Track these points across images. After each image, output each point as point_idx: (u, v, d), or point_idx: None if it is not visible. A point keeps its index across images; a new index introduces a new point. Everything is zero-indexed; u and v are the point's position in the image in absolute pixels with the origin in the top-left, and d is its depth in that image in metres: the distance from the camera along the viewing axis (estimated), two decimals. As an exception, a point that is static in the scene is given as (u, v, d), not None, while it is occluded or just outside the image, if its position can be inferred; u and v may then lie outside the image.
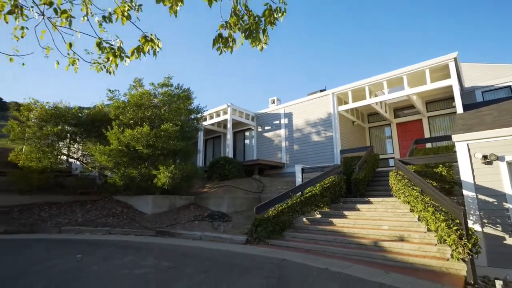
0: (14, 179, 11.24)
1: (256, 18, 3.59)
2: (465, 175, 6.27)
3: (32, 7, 3.48)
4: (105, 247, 6.83)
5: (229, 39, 3.68)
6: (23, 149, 12.62)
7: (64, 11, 3.50)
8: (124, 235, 8.47)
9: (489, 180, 5.97)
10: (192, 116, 12.86)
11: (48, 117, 12.05)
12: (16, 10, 3.44)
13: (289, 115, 14.72)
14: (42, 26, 3.53)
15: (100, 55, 3.86)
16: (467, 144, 6.37)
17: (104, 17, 3.59)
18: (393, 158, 12.70)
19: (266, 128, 15.57)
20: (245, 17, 3.59)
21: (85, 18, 3.60)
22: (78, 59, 3.95)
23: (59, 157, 12.89)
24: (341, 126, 13.00)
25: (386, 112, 13.78)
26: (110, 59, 3.81)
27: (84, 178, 13.62)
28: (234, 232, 8.06)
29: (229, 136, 15.16)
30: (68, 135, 13.04)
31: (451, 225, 5.02)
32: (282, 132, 14.74)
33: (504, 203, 5.72)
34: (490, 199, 5.88)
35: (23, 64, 3.98)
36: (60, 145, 13.01)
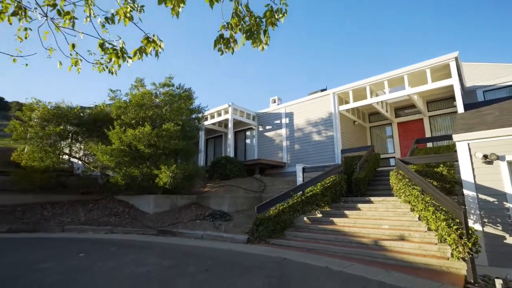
0: (17, 179, 11.33)
1: (257, 19, 3.61)
2: (466, 174, 6.29)
3: (35, 8, 3.52)
4: (108, 245, 6.88)
5: (231, 39, 3.70)
6: (26, 148, 12.68)
7: (67, 13, 3.54)
8: (126, 234, 8.53)
9: (490, 179, 5.99)
10: (193, 116, 12.91)
11: (50, 117, 12.11)
12: (20, 12, 3.48)
13: (290, 115, 14.74)
14: (45, 27, 3.59)
15: (102, 55, 3.90)
16: (468, 144, 6.38)
17: (106, 18, 3.62)
18: (394, 157, 12.70)
19: (267, 127, 15.60)
20: (246, 18, 3.61)
21: (88, 19, 3.63)
22: (81, 60, 3.99)
23: (61, 156, 12.95)
24: (342, 126, 13.01)
25: (387, 111, 13.79)
26: (113, 59, 3.85)
27: (86, 177, 13.70)
28: (236, 231, 8.10)
29: (230, 135, 15.19)
30: (70, 134, 13.11)
31: (452, 225, 5.04)
32: (283, 131, 14.76)
33: (504, 203, 5.73)
34: (491, 199, 5.89)
35: (27, 64, 4.02)
36: (62, 145, 13.07)
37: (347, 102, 13.01)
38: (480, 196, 6.01)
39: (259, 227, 7.42)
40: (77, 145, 14.04)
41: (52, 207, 10.73)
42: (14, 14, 3.45)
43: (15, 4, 3.43)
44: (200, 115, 13.23)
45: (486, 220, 5.86)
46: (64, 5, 3.51)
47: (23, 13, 3.48)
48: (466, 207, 6.08)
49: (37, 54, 4.23)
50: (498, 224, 5.71)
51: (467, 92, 12.25)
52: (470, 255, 4.62)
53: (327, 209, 8.64)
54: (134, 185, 10.94)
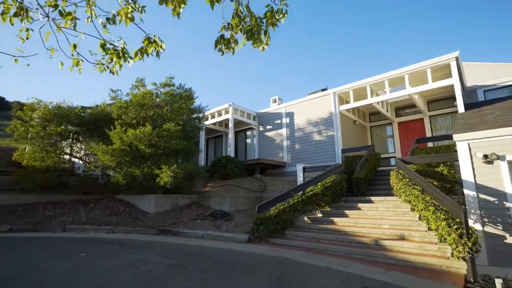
0: (18, 178, 11.36)
1: (258, 20, 3.62)
2: (466, 174, 6.29)
3: (37, 9, 3.53)
4: (110, 245, 6.90)
5: (231, 40, 3.72)
6: (27, 148, 12.72)
7: (69, 13, 3.55)
8: (127, 234, 8.55)
9: (490, 179, 5.99)
10: (194, 116, 12.93)
11: (51, 116, 12.14)
12: (21, 13, 3.49)
13: (290, 115, 14.75)
14: (47, 28, 3.59)
15: (104, 56, 3.91)
16: (468, 144, 6.39)
17: (108, 19, 3.64)
18: (395, 157, 12.70)
19: (268, 127, 15.61)
20: (247, 19, 3.62)
21: (89, 19, 3.65)
22: (82, 60, 4.00)
23: (62, 156, 12.98)
24: (342, 125, 13.01)
25: (387, 111, 13.79)
26: (114, 60, 3.86)
27: (87, 177, 13.74)
28: (236, 231, 8.12)
29: (231, 135, 15.21)
30: (71, 134, 13.14)
31: (452, 224, 5.05)
32: (283, 131, 14.77)
33: (504, 202, 5.74)
34: (491, 198, 5.90)
35: (28, 65, 4.04)
36: (63, 145, 13.12)
37: (347, 102, 13.02)
38: (481, 195, 6.02)
39: (259, 226, 7.44)
40: (78, 145, 14.07)
41: (53, 207, 10.76)
42: (16, 15, 3.46)
43: (17, 5, 3.44)
44: (200, 115, 13.26)
45: (486, 219, 5.86)
46: (66, 6, 3.53)
47: (24, 14, 3.49)
48: (466, 207, 6.08)
49: (38, 54, 4.24)
50: (498, 224, 5.71)
51: (468, 92, 12.25)
52: (470, 255, 4.64)
53: (328, 208, 8.66)
54: (135, 185, 10.97)
